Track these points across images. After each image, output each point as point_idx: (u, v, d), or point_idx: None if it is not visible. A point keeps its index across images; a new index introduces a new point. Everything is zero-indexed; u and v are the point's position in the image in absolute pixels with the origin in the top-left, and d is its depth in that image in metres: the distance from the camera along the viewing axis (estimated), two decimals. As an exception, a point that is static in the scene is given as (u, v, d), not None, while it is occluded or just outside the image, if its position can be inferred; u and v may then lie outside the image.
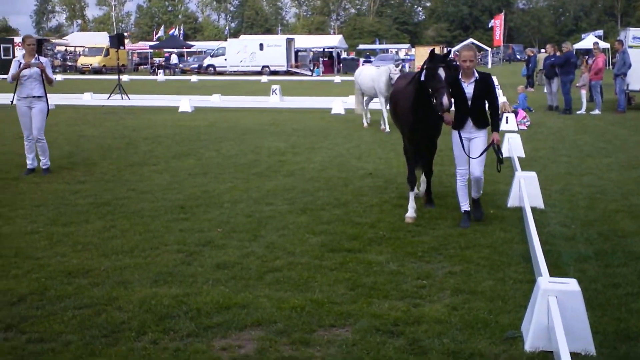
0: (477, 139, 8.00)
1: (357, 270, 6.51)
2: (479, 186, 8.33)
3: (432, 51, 7.91)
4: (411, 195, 8.58)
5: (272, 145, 14.97)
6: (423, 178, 9.43)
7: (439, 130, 8.81)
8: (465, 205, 8.20)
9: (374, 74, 17.59)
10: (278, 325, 5.22)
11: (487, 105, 8.11)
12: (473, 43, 77.67)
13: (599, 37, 55.91)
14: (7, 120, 19.64)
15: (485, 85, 7.92)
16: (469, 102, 7.88)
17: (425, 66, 7.82)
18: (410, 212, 8.45)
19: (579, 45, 54.35)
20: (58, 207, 9.17)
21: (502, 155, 8.21)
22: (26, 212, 8.92)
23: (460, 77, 7.91)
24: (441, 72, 7.61)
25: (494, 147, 8.01)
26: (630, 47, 22.22)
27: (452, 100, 7.73)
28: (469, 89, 7.86)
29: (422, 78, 7.85)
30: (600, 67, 22.24)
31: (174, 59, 65.79)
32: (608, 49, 44.11)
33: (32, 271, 6.49)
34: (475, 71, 7.90)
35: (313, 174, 11.46)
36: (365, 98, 18.50)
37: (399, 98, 8.80)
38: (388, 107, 14.25)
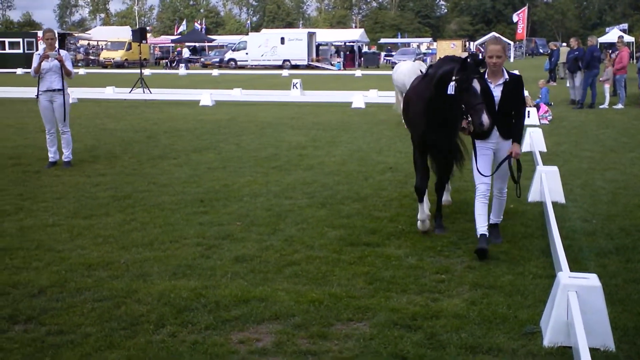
0: (504, 151, 6.86)
1: (376, 264, 6.50)
2: (501, 207, 7.23)
3: (466, 59, 6.62)
4: (421, 207, 7.59)
5: (292, 139, 14.98)
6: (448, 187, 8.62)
7: (454, 145, 7.74)
8: (482, 228, 6.84)
9: (404, 70, 16.51)
10: (296, 318, 5.22)
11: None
12: (496, 37, 77.18)
13: (623, 30, 55.28)
14: (29, 115, 19.82)
15: (515, 88, 6.79)
16: (496, 107, 6.68)
17: (455, 77, 6.58)
18: (420, 225, 7.59)
19: (603, 39, 53.80)
20: (79, 200, 9.24)
21: (520, 173, 6.98)
22: (48, 204, 9.00)
23: (485, 76, 6.73)
24: (476, 86, 6.47)
25: (509, 162, 6.87)
26: (655, 40, 21.97)
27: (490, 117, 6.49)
28: (496, 91, 6.72)
29: (452, 91, 6.60)
30: (624, 61, 22.00)
31: (186, 53, 65.93)
32: (633, 42, 43.59)
33: (52, 263, 6.55)
34: (504, 70, 6.77)
35: (333, 168, 11.45)
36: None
37: (411, 100, 7.75)
38: None
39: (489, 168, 6.91)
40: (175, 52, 68.78)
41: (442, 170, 7.81)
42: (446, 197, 8.64)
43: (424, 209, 7.57)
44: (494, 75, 6.75)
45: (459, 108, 6.63)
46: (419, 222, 7.61)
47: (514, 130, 6.88)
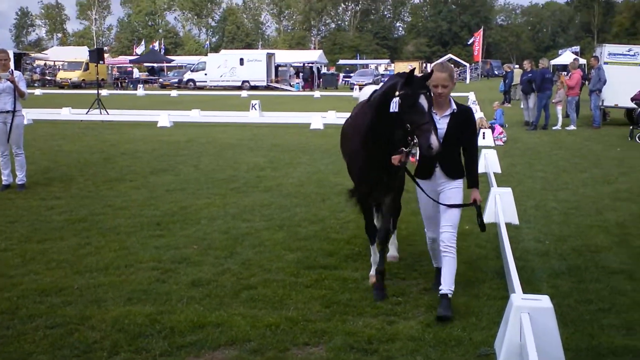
0: (450, 190, 5.97)
1: (333, 287, 6.51)
2: (450, 269, 5.92)
3: (412, 72, 5.73)
4: (374, 249, 6.58)
5: (250, 161, 14.97)
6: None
7: (400, 179, 6.54)
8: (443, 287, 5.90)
9: (369, 94, 16.17)
10: (252, 343, 5.20)
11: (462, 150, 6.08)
12: (452, 59, 78.57)
13: (575, 53, 56.61)
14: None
15: (464, 122, 5.92)
16: (440, 142, 5.67)
17: (400, 92, 5.63)
18: (373, 271, 6.60)
19: (556, 61, 54.99)
20: (33, 224, 9.09)
21: (483, 218, 6.30)
22: (0, 229, 8.83)
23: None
24: (424, 102, 5.55)
25: (476, 207, 6.14)
26: (606, 63, 22.52)
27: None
28: (441, 124, 5.84)
29: (395, 108, 5.62)
30: (575, 83, 22.50)
31: (136, 73, 65.59)
32: (584, 64, 44.62)
33: (3, 289, 6.42)
34: (452, 101, 5.94)
35: (291, 190, 11.46)
36: None
37: (349, 129, 6.76)
38: None
39: (433, 217, 6.15)
40: (126, 73, 68.17)
41: (388, 213, 6.59)
42: (392, 252, 7.39)
43: (379, 252, 6.47)
44: (440, 107, 5.88)
45: (402, 129, 5.67)
46: (372, 266, 6.64)
47: (470, 173, 6.02)
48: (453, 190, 5.97)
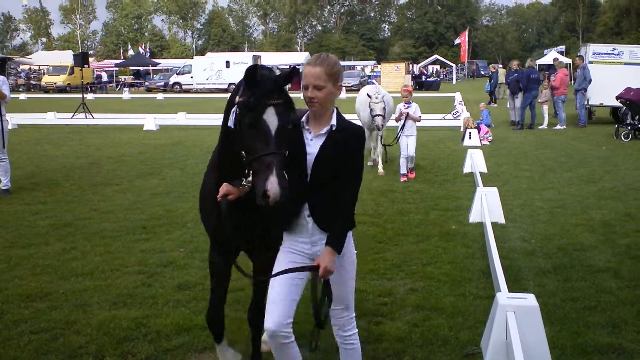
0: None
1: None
2: None
3: (255, 67, 3.80)
4: (222, 352, 4.78)
5: (237, 163, 14.90)
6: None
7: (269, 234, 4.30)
8: None
9: (359, 98, 14.23)
10: (239, 346, 5.18)
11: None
12: (438, 59, 78.85)
13: (561, 52, 56.94)
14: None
15: (344, 145, 3.88)
16: (308, 173, 3.86)
17: (239, 99, 3.82)
18: None
19: (541, 61, 55.23)
20: (18, 229, 9.03)
21: (329, 302, 4.00)
22: (-16, 234, 8.77)
23: (304, 120, 3.98)
24: (271, 119, 3.70)
25: (323, 285, 3.90)
26: (591, 62, 22.65)
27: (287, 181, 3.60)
28: (313, 145, 3.91)
29: (231, 123, 3.84)
30: (560, 83, 22.61)
31: (105, 77, 65.15)
32: (570, 64, 44.86)
33: (-12, 295, 6.38)
34: (335, 112, 4.01)
35: (277, 192, 11.42)
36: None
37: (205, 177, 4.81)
38: (379, 142, 13.41)
39: (290, 299, 4.06)
40: (95, 76, 67.36)
41: (258, 283, 4.63)
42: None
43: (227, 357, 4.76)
44: (315, 120, 3.97)
45: (236, 155, 3.82)
46: None
47: (334, 232, 3.86)
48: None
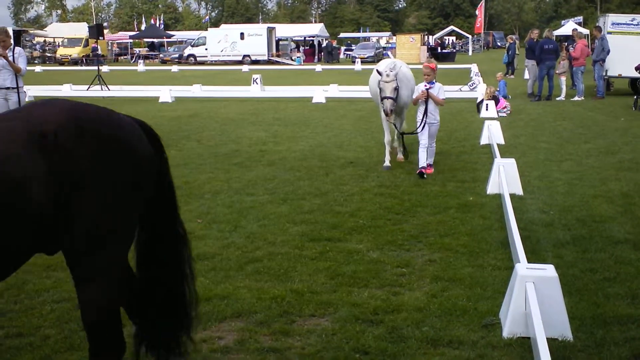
0: None
1: (337, 260, 6.52)
2: None
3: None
4: None
5: (253, 135, 14.94)
6: None
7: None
8: None
9: (371, 78, 11.84)
10: (258, 315, 5.22)
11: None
12: (454, 30, 78.06)
13: (578, 23, 56.20)
14: (-15, 113, 19.47)
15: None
16: None
17: None
18: None
19: (559, 32, 54.60)
20: (37, 200, 9.09)
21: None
22: (4, 205, 8.83)
23: None
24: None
25: None
26: (609, 33, 22.35)
27: None
28: None
29: None
30: (580, 54, 22.34)
31: (99, 50, 64.33)
32: (587, 35, 44.34)
33: (10, 265, 6.44)
34: None
35: (294, 164, 11.45)
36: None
37: None
38: (400, 123, 11.39)
39: None
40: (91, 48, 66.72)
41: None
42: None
43: None
44: None
45: None
46: None
47: None
48: None
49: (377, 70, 10.97)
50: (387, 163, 10.98)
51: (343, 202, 8.82)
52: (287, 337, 4.87)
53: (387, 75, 10.54)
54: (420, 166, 10.28)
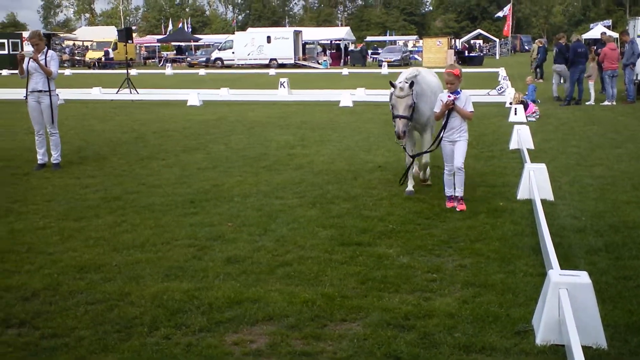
0: None
1: (368, 264, 6.52)
2: None
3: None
4: None
5: (280, 139, 14.98)
6: None
7: None
8: None
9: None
10: (289, 319, 5.23)
11: None
12: (481, 34, 77.63)
13: (607, 26, 55.67)
14: (15, 116, 19.75)
15: None
16: None
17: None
18: None
19: (587, 35, 54.10)
20: (69, 202, 9.21)
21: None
22: (38, 207, 8.96)
23: None
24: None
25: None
26: (639, 36, 22.09)
27: None
28: None
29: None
30: (603, 57, 22.07)
31: (111, 54, 63.88)
32: (617, 39, 43.87)
33: (44, 266, 6.53)
34: None
35: (322, 167, 11.47)
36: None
37: None
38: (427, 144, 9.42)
39: None
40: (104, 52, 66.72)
41: None
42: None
43: None
44: None
45: None
46: None
47: None
48: None
49: (390, 82, 8.99)
50: (410, 187, 9.46)
51: (372, 206, 8.82)
52: (318, 342, 4.87)
53: (401, 89, 8.71)
54: (447, 195, 8.74)
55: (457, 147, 8.53)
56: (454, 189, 8.64)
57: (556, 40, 24.50)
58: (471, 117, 8.67)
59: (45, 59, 11.32)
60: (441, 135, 8.63)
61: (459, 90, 8.52)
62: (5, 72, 48.77)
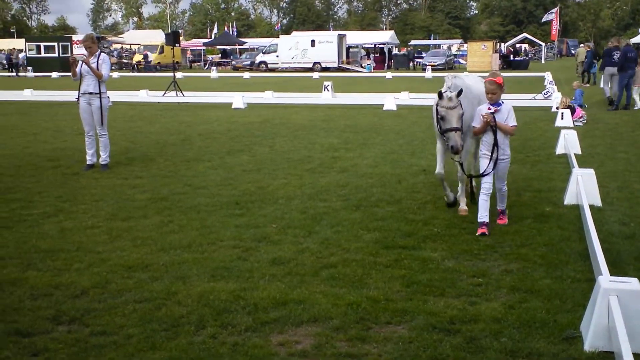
0: None
1: (412, 267, 6.50)
2: None
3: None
4: None
5: (324, 142, 15.02)
6: None
7: None
8: None
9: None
10: (334, 321, 5.25)
11: None
12: (527, 38, 76.79)
13: (658, 30, 54.54)
14: (65, 118, 20.17)
15: None
16: None
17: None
18: None
19: (635, 39, 53.11)
20: (117, 202, 9.37)
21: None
22: (87, 207, 9.14)
23: None
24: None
25: None
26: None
27: None
28: None
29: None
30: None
31: (150, 57, 64.20)
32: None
33: (93, 265, 6.65)
34: None
35: (366, 170, 11.47)
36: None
37: None
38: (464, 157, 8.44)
39: None
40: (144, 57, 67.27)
41: None
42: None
43: None
44: None
45: None
46: None
47: None
48: None
49: (438, 92, 7.89)
50: (463, 206, 8.60)
51: (416, 209, 8.79)
52: (363, 344, 4.88)
53: (450, 99, 7.72)
54: (480, 221, 7.63)
55: (500, 167, 7.75)
56: (488, 214, 7.66)
57: (611, 45, 24.07)
58: (513, 133, 7.79)
59: (98, 61, 11.55)
60: (495, 155, 7.66)
61: (500, 102, 7.64)
62: (55, 74, 49.81)
